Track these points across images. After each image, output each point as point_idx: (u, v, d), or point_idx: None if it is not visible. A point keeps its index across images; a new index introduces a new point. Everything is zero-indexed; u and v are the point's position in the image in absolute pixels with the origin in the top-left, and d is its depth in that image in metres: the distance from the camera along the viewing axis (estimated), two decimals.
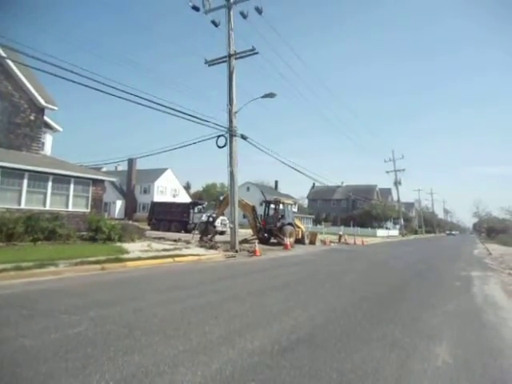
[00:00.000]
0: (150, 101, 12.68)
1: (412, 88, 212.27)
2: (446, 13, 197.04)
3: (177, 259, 11.51)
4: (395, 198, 68.04)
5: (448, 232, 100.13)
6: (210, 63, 16.63)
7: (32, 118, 15.97)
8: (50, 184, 14.67)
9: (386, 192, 78.57)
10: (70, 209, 15.32)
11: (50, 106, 16.53)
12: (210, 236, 19.02)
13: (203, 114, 15.08)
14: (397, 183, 60.15)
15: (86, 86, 10.87)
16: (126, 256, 10.61)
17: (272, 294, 7.11)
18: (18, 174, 13.72)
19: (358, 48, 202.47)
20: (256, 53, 15.48)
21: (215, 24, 15.93)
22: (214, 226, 20.04)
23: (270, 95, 15.89)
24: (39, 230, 12.71)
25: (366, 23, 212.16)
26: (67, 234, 13.48)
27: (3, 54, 14.18)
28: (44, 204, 14.50)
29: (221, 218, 23.57)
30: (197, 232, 19.99)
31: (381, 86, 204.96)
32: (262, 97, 16.02)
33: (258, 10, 15.72)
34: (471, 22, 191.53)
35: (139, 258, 10.58)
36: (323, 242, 25.14)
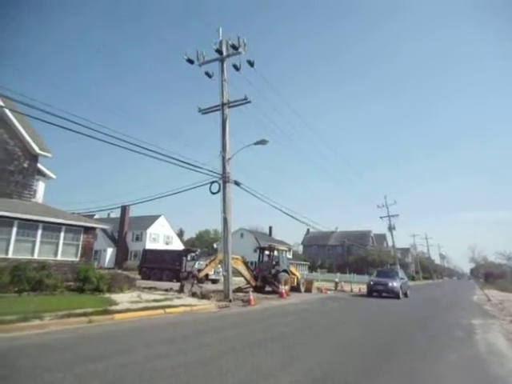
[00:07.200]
0: (145, 148, 12.90)
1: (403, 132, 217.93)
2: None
3: (168, 310, 11.05)
4: (390, 244, 67.66)
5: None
6: (204, 111, 17.06)
7: (25, 165, 15.93)
8: (39, 232, 14.37)
9: (381, 237, 78.16)
10: (59, 258, 14.90)
11: (44, 153, 16.52)
12: (190, 285, 17.51)
13: (196, 161, 15.21)
14: (391, 228, 60.03)
15: (92, 137, 11.09)
16: (114, 308, 10.16)
17: (267, 346, 6.76)
18: (7, 222, 13.44)
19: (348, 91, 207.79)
20: (248, 102, 15.95)
21: (209, 75, 16.58)
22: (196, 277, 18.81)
23: (262, 142, 16.01)
24: (26, 281, 12.23)
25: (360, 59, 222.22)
26: (54, 284, 12.95)
27: (1, 103, 14.35)
28: (32, 253, 14.10)
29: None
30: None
31: (370, 129, 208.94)
32: (255, 144, 16.16)
33: (250, 63, 16.41)
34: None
35: (128, 310, 10.13)
36: (319, 290, 24.53)
